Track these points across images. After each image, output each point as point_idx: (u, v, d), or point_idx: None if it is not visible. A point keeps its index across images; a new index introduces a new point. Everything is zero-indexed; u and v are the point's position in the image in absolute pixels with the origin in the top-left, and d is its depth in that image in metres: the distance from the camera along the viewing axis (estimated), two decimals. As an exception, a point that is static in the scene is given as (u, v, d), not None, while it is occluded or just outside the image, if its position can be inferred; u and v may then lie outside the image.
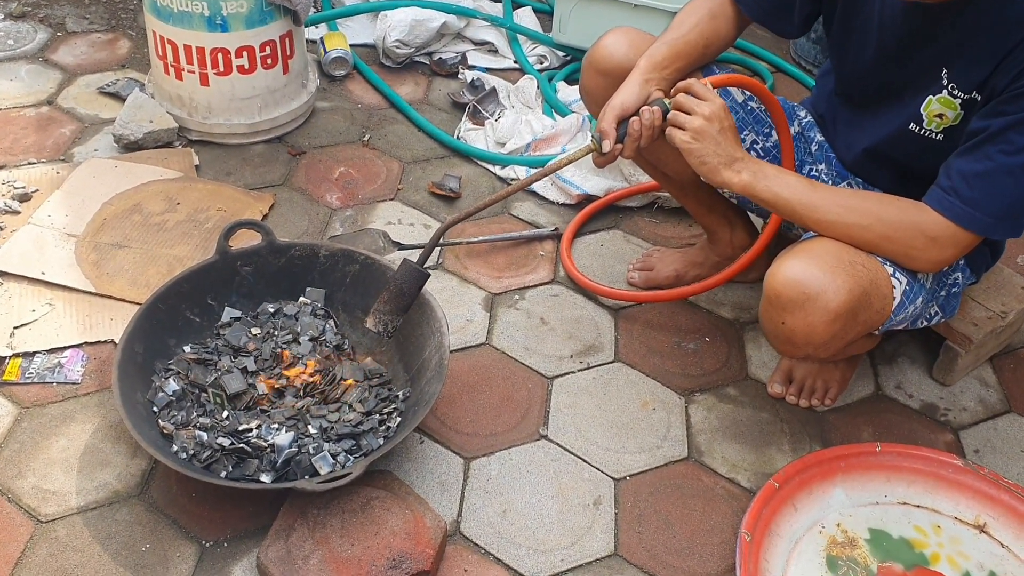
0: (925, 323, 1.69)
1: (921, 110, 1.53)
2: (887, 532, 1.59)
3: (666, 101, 1.58)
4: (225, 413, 1.60)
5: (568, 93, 2.56)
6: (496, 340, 1.90)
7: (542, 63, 2.75)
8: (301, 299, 1.79)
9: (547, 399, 1.79)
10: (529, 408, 1.77)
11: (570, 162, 1.64)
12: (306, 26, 2.59)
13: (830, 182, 1.78)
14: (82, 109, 2.40)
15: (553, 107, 2.50)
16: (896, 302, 1.52)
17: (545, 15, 2.92)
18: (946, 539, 1.58)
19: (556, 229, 2.18)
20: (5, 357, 1.74)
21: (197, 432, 1.54)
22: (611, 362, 1.88)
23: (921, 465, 1.65)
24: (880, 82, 1.60)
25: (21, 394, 1.69)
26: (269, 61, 2.25)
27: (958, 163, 1.45)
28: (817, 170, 1.80)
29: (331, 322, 1.77)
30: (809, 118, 1.83)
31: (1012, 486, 1.60)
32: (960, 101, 1.48)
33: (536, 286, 2.05)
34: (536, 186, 2.29)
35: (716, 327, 1.98)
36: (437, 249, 2.10)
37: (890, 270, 1.51)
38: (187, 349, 1.69)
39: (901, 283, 1.52)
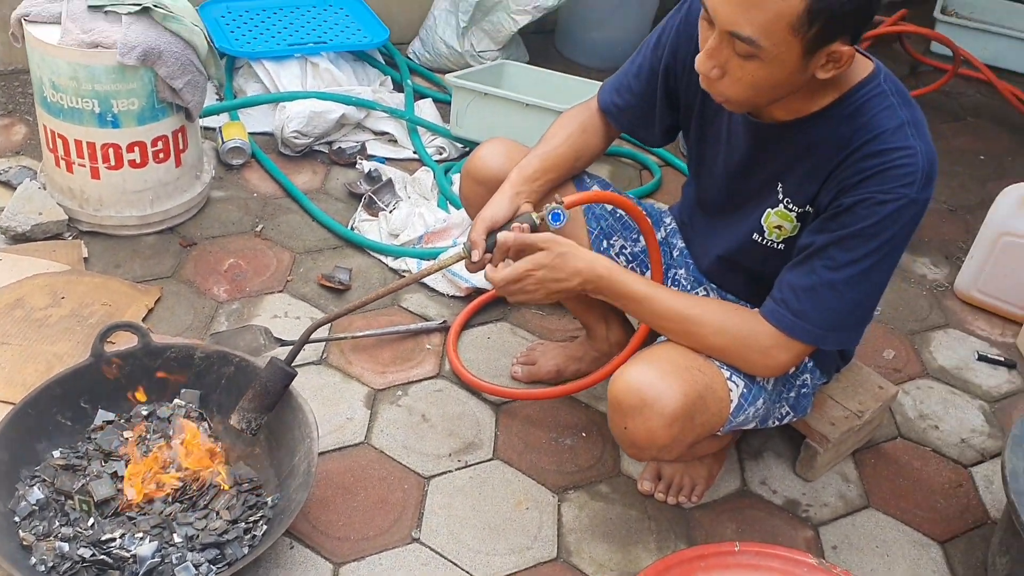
0: (777, 423, 1.77)
1: (762, 221, 1.63)
2: (743, 633, 1.64)
3: (534, 216, 1.65)
4: (91, 521, 1.59)
5: (461, 186, 2.62)
6: (375, 439, 1.93)
7: (441, 154, 2.83)
8: (176, 401, 1.80)
9: (422, 500, 1.82)
10: (404, 510, 1.79)
11: (441, 268, 1.72)
12: (205, 116, 2.63)
13: (688, 287, 1.87)
14: (-30, 198, 2.39)
15: (448, 199, 2.57)
16: (734, 404, 1.60)
17: (446, 105, 3.00)
18: (799, 638, 1.64)
19: (444, 322, 2.23)
20: None
21: (58, 543, 1.53)
22: (489, 460, 1.92)
23: (777, 564, 1.70)
24: (728, 194, 1.70)
25: None
26: (161, 155, 2.27)
27: (788, 276, 1.54)
28: (678, 274, 1.89)
29: (204, 424, 1.78)
30: (673, 224, 1.93)
31: (861, 585, 1.67)
32: (795, 214, 1.58)
33: (420, 381, 2.09)
34: (428, 278, 2.34)
35: (593, 422, 2.03)
36: (322, 344, 2.13)
37: (727, 373, 1.60)
38: (56, 454, 1.69)
39: (738, 386, 1.60)
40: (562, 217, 1.64)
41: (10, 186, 2.41)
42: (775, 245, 1.64)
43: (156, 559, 1.52)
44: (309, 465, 1.63)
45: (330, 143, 2.77)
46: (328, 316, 1.77)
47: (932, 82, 3.57)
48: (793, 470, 1.97)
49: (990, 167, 3.24)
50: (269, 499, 1.67)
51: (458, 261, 1.69)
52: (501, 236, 1.64)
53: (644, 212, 1.80)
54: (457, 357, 2.12)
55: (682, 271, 1.88)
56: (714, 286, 1.85)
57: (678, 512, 1.87)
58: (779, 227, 1.62)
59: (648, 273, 1.86)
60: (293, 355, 1.70)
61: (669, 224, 1.93)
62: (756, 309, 1.58)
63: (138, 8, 2.12)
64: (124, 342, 1.84)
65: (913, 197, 1.43)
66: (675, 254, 1.90)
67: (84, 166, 2.23)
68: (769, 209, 1.61)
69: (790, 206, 1.59)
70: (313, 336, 1.75)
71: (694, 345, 1.59)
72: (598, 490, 1.89)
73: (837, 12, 1.29)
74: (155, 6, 2.12)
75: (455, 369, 2.09)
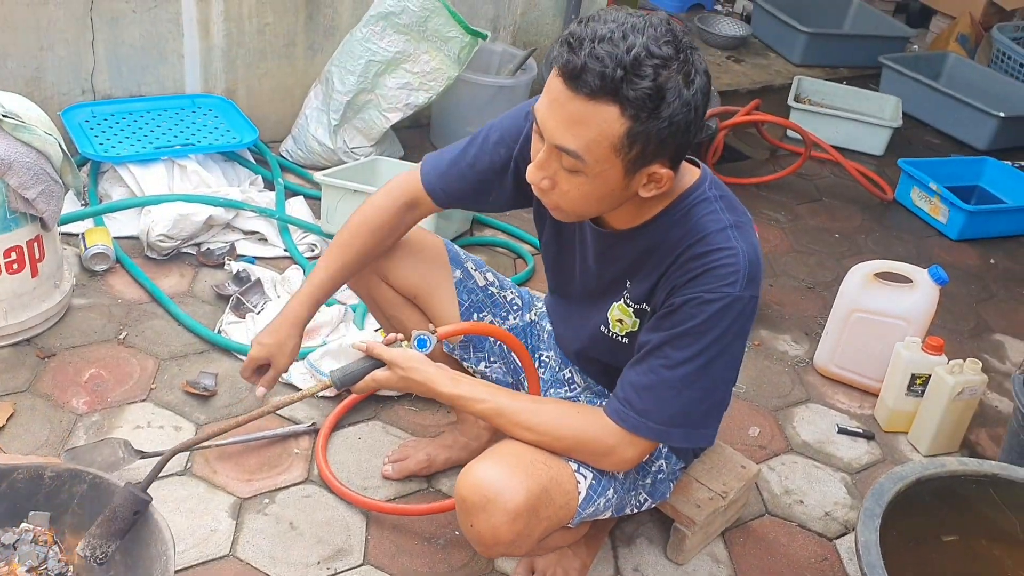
0: (635, 510, 1.80)
1: (608, 314, 1.68)
2: None
3: (404, 344, 1.69)
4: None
5: (332, 284, 2.62)
6: (241, 550, 1.87)
7: (313, 251, 2.82)
8: (23, 524, 1.71)
9: (289, 612, 1.77)
10: (269, 624, 1.74)
11: (305, 397, 1.75)
12: (65, 224, 2.58)
13: (556, 367, 1.93)
14: None
15: (318, 298, 2.55)
16: (582, 497, 1.62)
17: (318, 202, 3.01)
18: None
19: (313, 424, 2.20)
20: None
21: None
22: (360, 565, 1.88)
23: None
24: (582, 289, 1.76)
25: None
26: (15, 266, 2.21)
27: (629, 375, 1.58)
28: (548, 356, 1.95)
29: (55, 548, 1.70)
30: (543, 307, 1.99)
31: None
32: (633, 310, 1.65)
33: (288, 487, 2.04)
34: (296, 379, 2.31)
35: (466, 519, 2.02)
36: (186, 453, 2.07)
37: (574, 466, 1.62)
38: None
39: (586, 478, 1.63)
40: (428, 344, 1.69)
41: None
42: (619, 339, 1.69)
43: None
44: (165, 586, 1.57)
45: (198, 244, 2.74)
46: (185, 443, 1.74)
47: (789, 165, 3.77)
48: (665, 555, 2.00)
49: (844, 244, 3.41)
50: (122, 624, 1.60)
51: (324, 389, 1.70)
52: (356, 344, 1.71)
53: (514, 337, 1.84)
54: (326, 464, 2.08)
55: (552, 352, 1.94)
56: (577, 368, 1.90)
57: (552, 606, 1.86)
58: (620, 321, 1.67)
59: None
60: (149, 481, 1.65)
61: (540, 307, 1.99)
62: (601, 407, 1.62)
63: (-13, 118, 2.08)
64: (-33, 465, 1.76)
65: (736, 295, 1.49)
66: (544, 336, 1.96)
67: (-69, 279, 2.15)
68: (614, 303, 1.67)
69: (628, 302, 1.65)
70: (177, 446, 1.72)
71: (542, 447, 1.61)
72: (471, 589, 1.88)
73: (655, 137, 1.36)
74: (4, 116, 2.09)
75: (324, 478, 2.05)
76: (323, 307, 2.50)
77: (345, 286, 1.95)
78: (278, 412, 2.23)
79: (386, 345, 1.69)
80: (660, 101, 1.33)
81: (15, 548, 1.68)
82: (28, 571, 1.65)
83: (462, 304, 1.94)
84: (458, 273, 1.95)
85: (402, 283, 1.93)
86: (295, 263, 2.73)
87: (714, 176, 1.59)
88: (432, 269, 1.93)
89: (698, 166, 1.59)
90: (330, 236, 2.82)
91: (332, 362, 2.29)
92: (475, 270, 1.97)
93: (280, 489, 2.03)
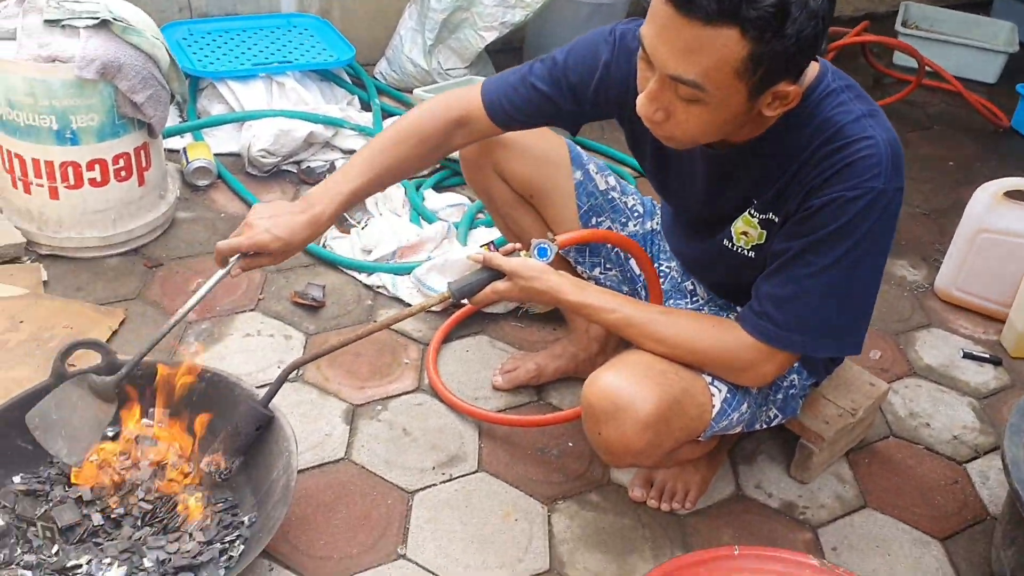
0: (765, 425, 1.72)
1: (731, 228, 1.59)
2: (748, 639, 1.57)
3: (522, 254, 1.61)
4: (55, 548, 1.50)
5: (435, 201, 2.57)
6: (356, 454, 1.85)
7: (411, 170, 2.77)
8: (144, 420, 1.71)
9: (407, 515, 1.74)
10: (388, 526, 1.71)
11: (422, 311, 1.65)
12: (168, 137, 2.57)
13: (678, 278, 1.85)
14: (-77, 225, 2.30)
15: (420, 214, 2.51)
16: (716, 410, 1.55)
17: (415, 123, 2.96)
18: (806, 642, 1.57)
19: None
20: None
21: (20, 571, 1.43)
22: (474, 472, 1.85)
23: (779, 567, 1.64)
24: (695, 212, 1.67)
25: None
26: (123, 173, 2.20)
27: (766, 287, 1.48)
28: (668, 266, 1.88)
29: (175, 444, 1.69)
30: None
31: (866, 584, 1.62)
32: (759, 220, 1.54)
33: (400, 395, 2.01)
34: (403, 293, 2.27)
35: (579, 432, 1.96)
36: (297, 361, 2.05)
37: (708, 379, 1.55)
38: (16, 480, 1.59)
39: (721, 391, 1.56)
40: (549, 253, 1.61)
41: (-36, 211, 2.32)
42: (744, 252, 1.59)
43: (126, 584, 1.43)
44: (288, 480, 1.55)
45: (298, 162, 2.71)
46: (304, 357, 1.71)
47: (895, 93, 3.59)
48: (788, 473, 1.92)
49: (959, 172, 3.25)
50: (245, 518, 1.58)
51: (440, 303, 1.64)
52: (472, 256, 1.63)
53: (639, 245, 1.76)
54: (437, 376, 2.04)
55: (673, 263, 1.87)
56: (696, 280, 1.83)
57: (672, 519, 1.80)
58: (745, 234, 1.57)
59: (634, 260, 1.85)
60: (269, 397, 1.62)
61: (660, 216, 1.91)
62: (734, 320, 1.53)
63: (96, 21, 2.05)
64: (87, 362, 1.76)
65: (881, 188, 1.38)
66: (665, 245, 1.88)
67: (42, 186, 2.15)
68: (737, 216, 1.57)
69: (753, 213, 1.54)
70: (293, 361, 1.67)
71: (673, 360, 1.54)
72: (588, 499, 1.82)
73: (780, 57, 1.25)
74: (114, 19, 2.06)
75: (436, 389, 2.01)
76: (425, 224, 2.48)
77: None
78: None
79: (504, 255, 1.62)
80: (785, 18, 1.21)
81: (138, 442, 1.67)
82: (150, 465, 1.65)
83: (580, 207, 1.87)
84: (578, 175, 1.87)
85: (519, 181, 1.86)
86: (395, 181, 2.68)
87: (834, 67, 1.47)
88: (551, 168, 1.86)
89: (816, 59, 1.45)
90: (429, 155, 2.77)
91: (438, 276, 2.25)
92: (597, 172, 1.89)
93: (392, 397, 2.00)
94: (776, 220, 1.51)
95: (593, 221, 1.88)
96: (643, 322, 1.55)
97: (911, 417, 2.12)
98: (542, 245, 1.61)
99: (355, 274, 2.33)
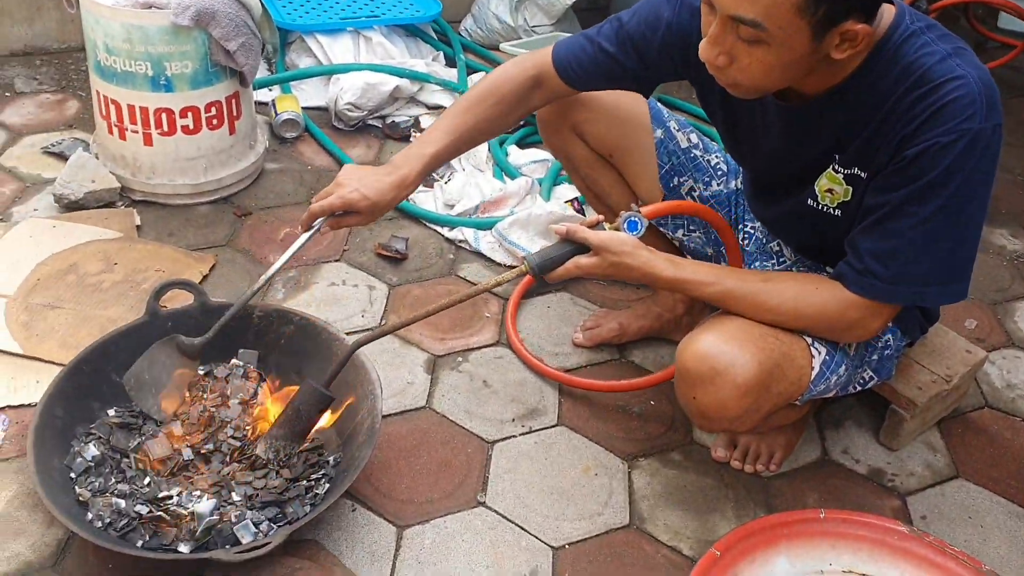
0: (859, 388, 1.67)
1: (815, 187, 1.52)
2: (831, 602, 1.54)
3: (607, 225, 1.55)
4: (147, 479, 1.54)
5: (518, 156, 2.56)
6: (437, 403, 1.86)
7: (495, 126, 2.76)
8: (233, 360, 1.74)
9: (487, 464, 1.74)
10: (468, 474, 1.72)
11: (499, 284, 1.56)
12: (257, 88, 2.60)
13: (763, 238, 1.80)
14: (24, 169, 2.37)
15: (503, 170, 2.50)
16: (815, 373, 1.51)
17: (499, 80, 2.94)
18: (892, 609, 1.54)
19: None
20: (-79, 421, 1.67)
21: (114, 499, 1.48)
22: (554, 426, 1.84)
23: (866, 532, 1.61)
24: (777, 167, 1.61)
25: (-64, 459, 1.63)
26: (215, 122, 2.23)
27: (866, 243, 1.42)
28: (753, 227, 1.82)
29: (263, 384, 1.72)
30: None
31: (958, 553, 1.56)
32: (844, 176, 1.47)
33: (480, 348, 2.01)
34: (484, 248, 2.27)
35: (662, 390, 1.94)
36: (380, 309, 2.07)
37: (808, 340, 1.50)
38: (111, 413, 1.64)
39: (820, 353, 1.51)
40: (640, 226, 1.54)
41: (63, 157, 2.38)
42: (830, 211, 1.53)
43: (215, 517, 1.46)
44: (373, 422, 1.56)
45: (383, 117, 2.72)
46: (374, 332, 1.59)
47: (999, 58, 3.44)
48: (876, 439, 1.87)
49: (1064, 140, 3.10)
50: (331, 459, 1.61)
51: (519, 277, 1.58)
52: (555, 228, 1.56)
53: (723, 219, 1.72)
54: (515, 330, 2.03)
55: (758, 223, 1.81)
56: (780, 241, 1.77)
57: (756, 480, 1.77)
58: (830, 191, 1.51)
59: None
60: (331, 378, 1.55)
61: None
62: (833, 280, 1.48)
63: (192, -31, 2.08)
64: (179, 303, 1.80)
65: (978, 128, 1.31)
66: (748, 205, 1.82)
67: (137, 132, 2.19)
68: (820, 174, 1.51)
69: (838, 169, 1.48)
70: (359, 338, 1.57)
71: (776, 325, 1.50)
72: (670, 458, 1.80)
73: None
74: (210, -33, 2.08)
75: (514, 347, 2.00)
76: (508, 179, 2.47)
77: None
78: (468, 279, 2.20)
79: (588, 228, 1.54)
80: None
81: (227, 382, 1.71)
82: (239, 403, 1.68)
83: (662, 167, 1.82)
84: (659, 132, 1.83)
85: (598, 140, 1.83)
86: (478, 137, 2.67)
87: (912, 8, 1.39)
88: (630, 126, 1.82)
89: (891, 2, 1.35)
90: (513, 111, 2.75)
91: (521, 232, 2.23)
92: (678, 130, 1.85)
93: (472, 349, 2.00)
94: (863, 175, 1.45)
95: (675, 181, 1.83)
96: (746, 294, 1.50)
97: (1008, 388, 2.04)
98: (632, 218, 1.54)
99: (438, 228, 2.34)
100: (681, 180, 1.84)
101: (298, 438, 1.56)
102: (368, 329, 2.02)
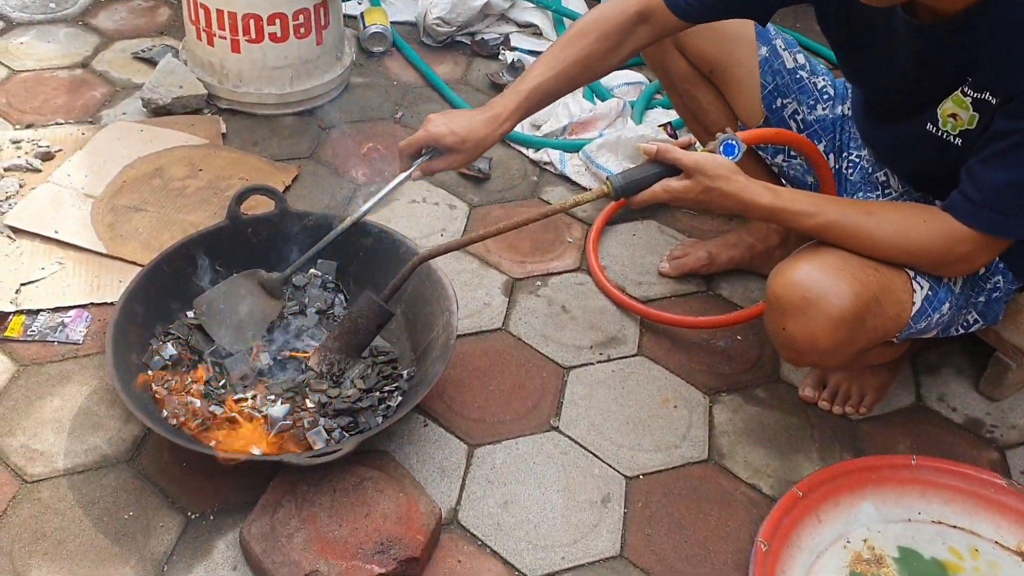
0: (962, 331, 1.56)
1: (937, 111, 1.40)
2: (918, 552, 1.47)
3: (698, 146, 1.45)
4: (223, 381, 1.54)
5: (610, 77, 2.45)
6: (513, 326, 1.82)
7: (587, 48, 2.66)
8: (311, 270, 1.72)
9: (561, 389, 1.70)
10: (542, 398, 1.68)
11: (578, 205, 1.47)
12: (346, 0, 2.54)
13: (868, 168, 1.69)
14: (115, 73, 2.38)
15: (593, 90, 2.41)
16: (916, 308, 1.41)
17: None
18: (983, 564, 1.46)
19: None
20: (9, 313, 1.70)
21: (190, 399, 1.48)
22: (633, 355, 1.78)
23: (960, 483, 1.52)
24: (901, 90, 1.48)
25: (21, 351, 1.65)
26: (302, 30, 2.19)
27: (987, 173, 1.31)
28: (859, 156, 1.71)
29: (340, 296, 1.70)
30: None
31: (1060, 511, 1.47)
32: (971, 100, 1.35)
33: (561, 273, 1.96)
34: (570, 171, 2.20)
35: (748, 324, 1.86)
36: (460, 228, 2.03)
37: (910, 273, 1.40)
38: (189, 314, 1.64)
39: (922, 288, 1.41)
40: (736, 150, 1.43)
41: (153, 63, 2.38)
42: (951, 138, 1.40)
43: (288, 421, 1.45)
44: (448, 338, 1.52)
45: (473, 34, 2.64)
46: (442, 246, 1.49)
47: None
48: (976, 388, 1.76)
49: None
50: (404, 372, 1.58)
51: (600, 197, 1.46)
52: (644, 146, 1.45)
53: (822, 155, 1.60)
54: (597, 261, 1.95)
55: (863, 152, 1.70)
56: (887, 170, 1.66)
57: (844, 423, 1.69)
58: (954, 116, 1.38)
59: (822, 145, 1.69)
60: (393, 291, 1.47)
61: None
62: (943, 211, 1.37)
63: None
64: (260, 211, 1.78)
65: None
66: (855, 133, 1.70)
67: (225, 38, 2.17)
68: (946, 96, 1.39)
69: (967, 92, 1.35)
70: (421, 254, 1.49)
71: (879, 257, 1.40)
72: (754, 394, 1.73)
73: None
74: None
75: (595, 275, 1.94)
76: (598, 100, 2.38)
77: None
78: (550, 203, 2.14)
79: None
80: None
81: (305, 291, 1.69)
82: (316, 312, 1.66)
83: (765, 86, 1.72)
84: (764, 50, 1.72)
85: (699, 54, 1.73)
86: (569, 58, 2.58)
87: None
88: (734, 42, 1.72)
89: None
90: (607, 33, 2.65)
91: (609, 155, 2.15)
92: (784, 49, 1.74)
93: (552, 274, 1.95)
94: (993, 101, 1.33)
95: (778, 102, 1.73)
96: (849, 225, 1.40)
97: (1125, 345, 1.90)
98: (729, 141, 1.43)
99: (522, 149, 2.27)
100: (785, 102, 1.73)
101: (354, 351, 1.52)
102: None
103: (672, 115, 2.30)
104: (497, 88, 2.47)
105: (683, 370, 1.76)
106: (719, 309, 1.89)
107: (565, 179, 2.20)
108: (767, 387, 1.75)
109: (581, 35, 1.59)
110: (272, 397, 1.50)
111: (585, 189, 2.17)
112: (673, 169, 1.43)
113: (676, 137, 2.24)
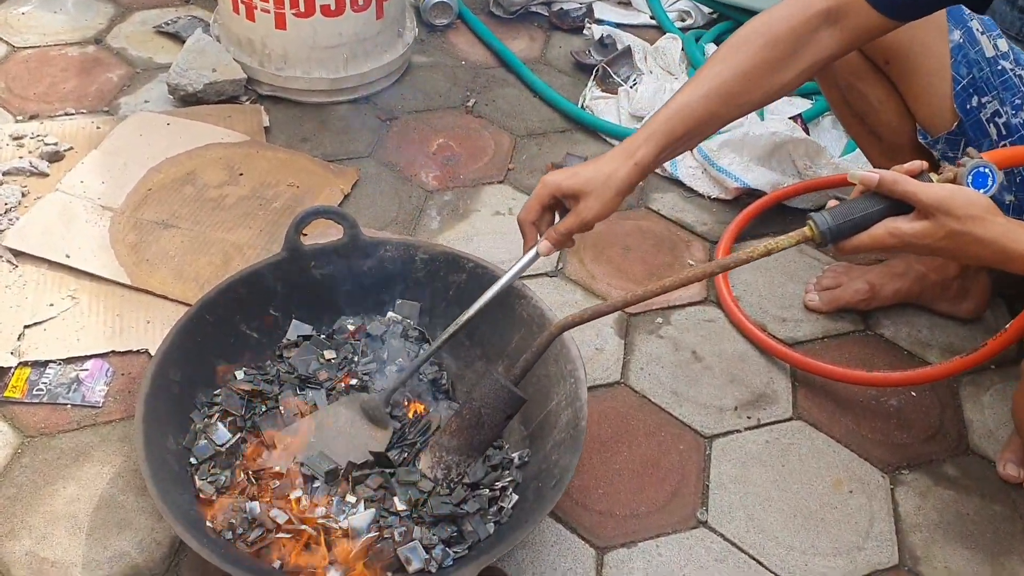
0: None
1: None
2: None
3: (933, 176, 1.06)
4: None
5: (722, 59, 2.08)
6: (634, 378, 1.46)
7: (683, 20, 2.28)
8: (390, 314, 1.37)
9: (705, 468, 1.35)
10: (682, 480, 1.33)
11: (769, 253, 1.10)
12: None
13: None
14: (134, 51, 2.01)
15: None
16: None
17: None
18: None
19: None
20: (9, 368, 1.35)
21: (248, 503, 1.13)
22: (788, 419, 1.43)
23: None
24: None
25: (26, 417, 1.31)
26: (360, 2, 1.81)
27: None
28: None
29: (426, 345, 1.35)
30: None
31: None
32: None
33: (684, 306, 1.60)
34: (682, 174, 1.83)
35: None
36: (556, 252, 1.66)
37: None
38: (240, 376, 1.28)
39: None
40: (990, 180, 1.04)
41: (179, 39, 2.01)
42: None
43: (373, 533, 1.10)
44: (576, 414, 1.16)
45: (550, 4, 2.26)
46: (582, 313, 1.14)
47: None
48: None
49: None
50: (515, 456, 1.22)
51: (804, 242, 1.08)
52: (859, 176, 1.06)
53: None
54: (730, 291, 1.59)
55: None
56: None
57: (1064, 513, 1.34)
58: None
59: None
60: (526, 369, 1.13)
61: None
62: None
63: None
64: (321, 233, 1.42)
65: None
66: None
67: (268, 12, 1.80)
68: None
69: None
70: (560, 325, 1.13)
71: None
72: (943, 472, 1.38)
73: None
74: None
75: (728, 311, 1.58)
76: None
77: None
78: (660, 213, 1.77)
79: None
80: None
81: (383, 342, 1.33)
82: (399, 370, 1.30)
83: (958, 80, 1.36)
84: (957, 35, 1.35)
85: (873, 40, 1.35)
86: (665, 32, 2.19)
87: None
88: (919, 23, 1.33)
89: None
90: (709, 2, 2.26)
91: (733, 156, 1.78)
92: (982, 33, 1.37)
93: (674, 307, 1.59)
94: None
95: (974, 101, 1.36)
96: None
97: None
98: (981, 168, 1.04)
99: (622, 146, 1.90)
100: (983, 100, 1.36)
101: (476, 452, 1.17)
102: (542, 274, 1.61)
103: (802, 104, 1.93)
104: (583, 69, 2.09)
105: (852, 439, 1.41)
106: (885, 355, 1.53)
107: (677, 183, 1.83)
108: (956, 461, 1.40)
109: (742, 43, 1.20)
110: (352, 499, 1.14)
111: (702, 197, 1.81)
112: (900, 206, 1.05)
113: (807, 130, 1.87)
